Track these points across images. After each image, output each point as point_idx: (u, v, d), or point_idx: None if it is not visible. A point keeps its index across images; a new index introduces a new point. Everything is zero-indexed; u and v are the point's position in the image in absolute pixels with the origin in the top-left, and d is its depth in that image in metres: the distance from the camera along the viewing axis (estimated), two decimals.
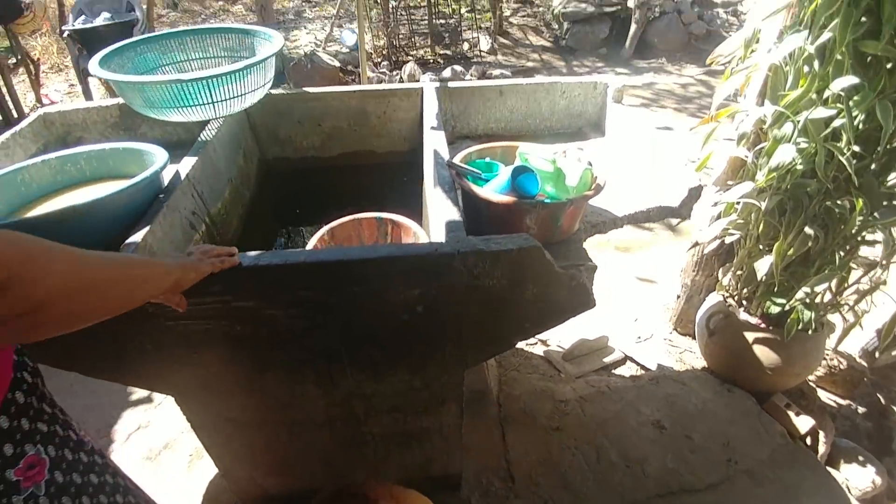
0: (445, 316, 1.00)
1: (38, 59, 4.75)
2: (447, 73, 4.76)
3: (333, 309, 0.97)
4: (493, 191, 1.06)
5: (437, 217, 1.06)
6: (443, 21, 5.50)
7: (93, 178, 1.28)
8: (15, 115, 3.58)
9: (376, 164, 1.74)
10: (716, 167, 1.70)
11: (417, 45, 5.37)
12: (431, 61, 5.24)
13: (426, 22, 5.36)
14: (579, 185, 1.05)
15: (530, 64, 5.26)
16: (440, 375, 1.16)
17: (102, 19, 3.80)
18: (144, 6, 4.61)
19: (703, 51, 5.29)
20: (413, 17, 5.41)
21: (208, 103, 1.32)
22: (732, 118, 1.53)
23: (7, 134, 1.38)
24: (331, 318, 0.99)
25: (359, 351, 1.07)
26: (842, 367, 1.88)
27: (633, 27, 5.24)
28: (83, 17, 3.89)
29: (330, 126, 1.67)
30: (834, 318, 1.66)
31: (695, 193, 1.27)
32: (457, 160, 1.20)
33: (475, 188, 1.05)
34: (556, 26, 5.87)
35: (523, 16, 6.47)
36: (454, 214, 1.01)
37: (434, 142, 1.29)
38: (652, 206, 1.28)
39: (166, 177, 1.20)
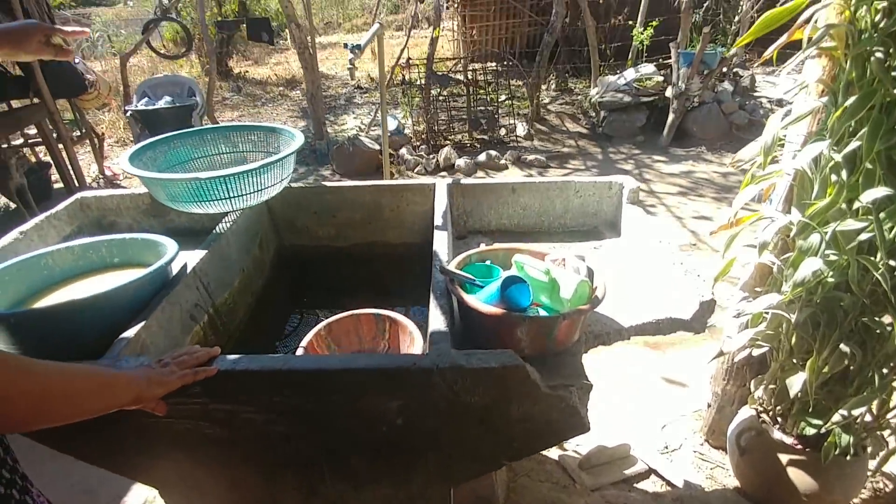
0: (426, 431, 0.95)
1: (103, 133, 5.26)
2: (482, 157, 4.92)
3: (311, 417, 0.94)
4: (485, 300, 1.03)
5: (431, 324, 1.04)
6: (481, 108, 5.78)
7: (113, 264, 1.35)
8: (76, 185, 3.91)
9: (389, 255, 1.76)
10: (742, 272, 1.62)
11: (456, 129, 5.62)
12: (468, 145, 5.45)
13: (465, 108, 5.64)
14: (574, 297, 1.01)
15: (566, 150, 5.38)
16: (425, 490, 1.08)
17: (164, 102, 4.22)
18: (205, 92, 5.11)
19: (745, 140, 5.26)
20: (453, 104, 5.72)
21: (225, 198, 1.39)
22: (756, 224, 1.47)
23: (42, 216, 1.50)
24: (309, 426, 0.95)
25: (338, 460, 1.02)
26: (887, 489, 1.65)
27: (671, 116, 5.32)
28: (146, 98, 4.34)
29: (345, 217, 1.72)
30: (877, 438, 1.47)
31: (707, 307, 1.19)
32: (455, 262, 1.19)
33: (465, 297, 1.03)
34: (594, 114, 6.03)
35: (561, 104, 6.72)
36: (441, 324, 0.99)
37: (437, 243, 1.29)
38: (662, 317, 1.22)
39: (177, 266, 1.25)
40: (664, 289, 1.31)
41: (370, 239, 1.75)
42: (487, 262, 1.25)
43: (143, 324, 1.00)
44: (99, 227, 1.69)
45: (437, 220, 1.42)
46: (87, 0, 14.83)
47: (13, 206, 3.70)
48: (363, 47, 1.83)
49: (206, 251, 1.29)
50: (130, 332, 0.97)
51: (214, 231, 1.41)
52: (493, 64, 7.10)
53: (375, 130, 5.89)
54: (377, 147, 4.98)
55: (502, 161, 4.95)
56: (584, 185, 1.65)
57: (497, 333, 1.03)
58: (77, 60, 4.92)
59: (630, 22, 6.85)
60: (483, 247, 1.56)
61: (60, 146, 3.85)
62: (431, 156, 5.06)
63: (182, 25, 7.56)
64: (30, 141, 4.50)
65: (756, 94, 6.10)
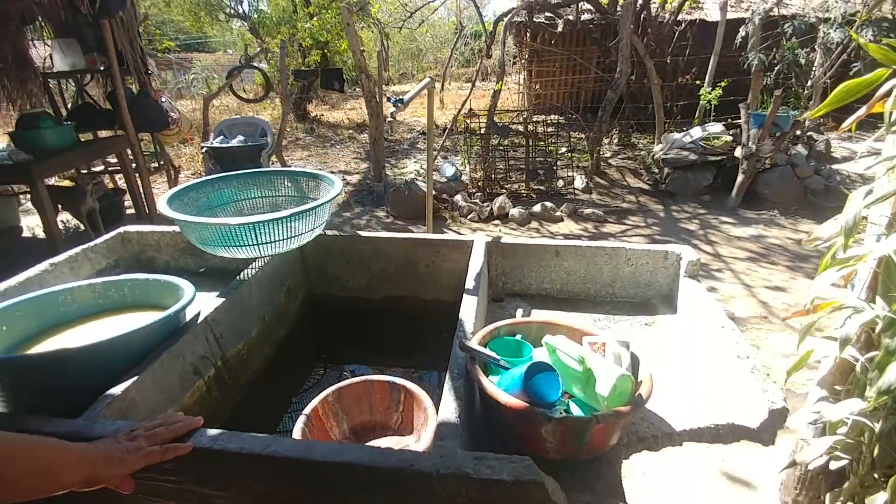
0: None
1: (180, 166, 5.62)
2: (537, 207, 4.81)
3: None
4: (507, 386, 0.89)
5: (441, 411, 0.91)
6: (541, 159, 5.70)
7: (132, 305, 1.33)
8: (147, 212, 4.14)
9: (420, 312, 1.66)
10: (821, 366, 1.38)
11: (512, 179, 5.56)
12: (524, 195, 5.36)
13: (524, 159, 5.58)
14: (613, 395, 0.85)
15: (626, 205, 5.16)
16: None
17: (236, 141, 4.45)
18: (276, 132, 5.38)
19: (820, 206, 4.85)
20: (512, 154, 5.69)
21: (254, 244, 1.35)
22: (835, 313, 1.25)
23: (78, 248, 1.52)
24: None
25: None
26: None
27: (740, 177, 5.00)
28: (222, 137, 4.60)
29: (378, 269, 1.64)
30: None
31: (778, 417, 0.99)
32: (481, 334, 1.06)
33: (484, 382, 0.90)
34: (657, 170, 5.80)
35: (622, 158, 6.53)
36: (452, 414, 0.85)
37: (464, 309, 1.17)
38: (722, 422, 1.02)
39: (192, 312, 1.20)
40: (726, 386, 1.11)
41: (402, 293, 1.66)
42: (518, 337, 1.11)
43: (134, 379, 0.94)
44: (138, 262, 1.70)
45: (469, 283, 1.30)
46: (189, 46, 16.46)
47: (82, 227, 3.94)
48: (406, 102, 1.81)
49: (225, 299, 1.24)
50: (118, 389, 0.91)
51: (238, 277, 1.37)
52: (555, 117, 7.08)
53: (434, 175, 5.94)
54: (433, 192, 4.99)
55: (558, 213, 4.81)
56: (637, 253, 1.49)
57: (518, 430, 0.88)
58: (164, 100, 5.36)
59: (697, 81, 6.65)
60: (519, 315, 1.42)
61: (137, 175, 4.12)
62: (486, 203, 5.00)
63: (262, 73, 8.12)
64: (109, 168, 4.87)
65: (833, 158, 5.66)
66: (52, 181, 4.44)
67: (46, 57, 4.33)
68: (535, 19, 7.17)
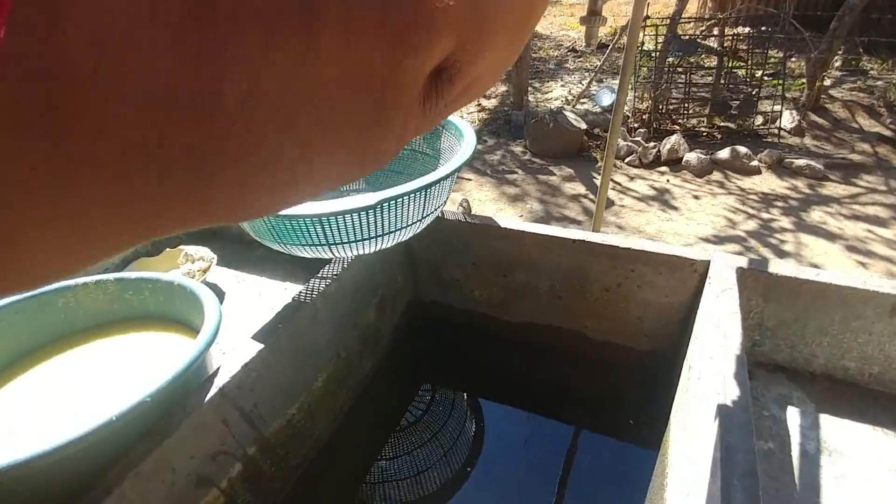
0: None
1: None
2: (724, 153, 3.68)
3: None
4: None
5: None
6: (732, 85, 4.40)
7: (155, 315, 0.88)
8: None
9: (583, 359, 1.02)
10: None
11: (690, 112, 4.38)
12: (705, 134, 4.20)
13: (710, 86, 4.34)
14: None
15: (856, 157, 3.76)
16: None
17: None
18: None
19: None
20: (693, 80, 4.44)
21: (322, 244, 0.80)
22: None
23: None
24: None
25: None
26: None
27: None
28: None
29: (521, 281, 1.01)
30: None
31: None
32: None
33: None
34: None
35: (851, 89, 4.84)
36: None
37: (724, 370, 0.52)
38: None
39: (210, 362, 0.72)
40: None
41: (557, 323, 1.03)
42: None
43: None
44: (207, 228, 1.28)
45: (724, 336, 0.62)
46: None
47: None
48: None
49: (262, 347, 0.72)
50: None
51: (293, 298, 0.83)
52: (748, 29, 5.42)
53: (584, 104, 4.96)
54: (583, 126, 4.09)
55: (754, 162, 3.64)
56: None
57: None
58: None
59: None
60: (796, 424, 0.72)
61: None
62: (652, 144, 3.98)
63: None
64: None
65: None
66: None
67: None
68: None
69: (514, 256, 1.00)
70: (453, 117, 0.97)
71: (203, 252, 1.12)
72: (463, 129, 0.93)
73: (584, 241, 0.92)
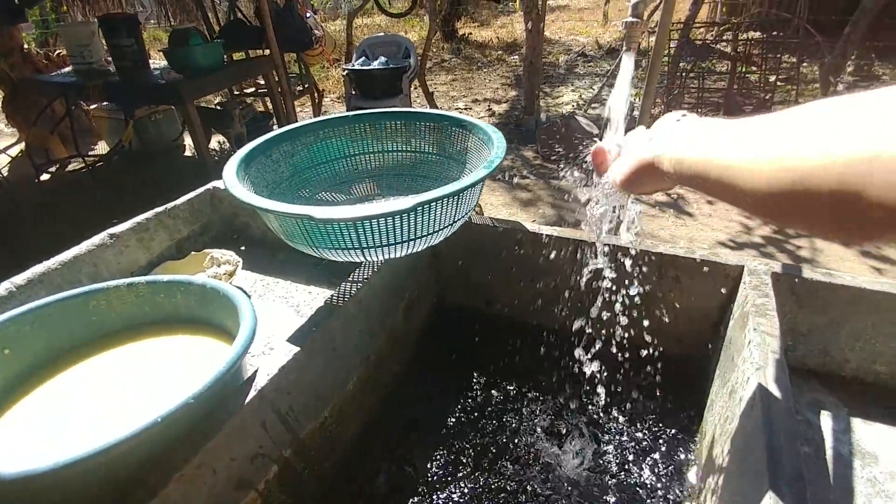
0: None
1: (324, 89, 5.34)
2: None
3: None
4: None
5: None
6: (744, 90, 4.38)
7: (186, 318, 0.88)
8: None
9: (614, 364, 1.01)
10: None
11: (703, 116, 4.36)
12: None
13: (723, 91, 4.32)
14: None
15: None
16: None
17: (378, 63, 3.95)
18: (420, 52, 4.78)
19: None
20: (705, 85, 4.43)
21: (355, 248, 0.81)
22: None
23: (152, 213, 1.11)
24: None
25: None
26: None
27: None
28: (363, 58, 4.14)
29: (548, 286, 1.01)
30: None
31: None
32: None
33: None
34: None
35: None
36: None
37: (766, 374, 0.51)
38: None
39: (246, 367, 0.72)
40: None
41: (586, 329, 1.02)
42: None
43: None
44: (230, 227, 1.29)
45: (735, 338, 0.62)
46: None
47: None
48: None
49: (297, 350, 0.72)
50: None
51: (325, 301, 0.83)
52: (761, 34, 5.40)
53: (595, 109, 4.95)
54: (595, 131, 4.08)
55: None
56: None
57: None
58: (308, 14, 5.02)
59: None
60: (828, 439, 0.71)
61: (282, 99, 3.88)
62: None
63: None
64: (259, 91, 4.75)
65: None
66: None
67: None
68: None
69: (542, 261, 1.00)
70: (482, 122, 0.98)
71: (229, 256, 1.13)
72: (491, 134, 0.93)
73: (615, 245, 0.92)
